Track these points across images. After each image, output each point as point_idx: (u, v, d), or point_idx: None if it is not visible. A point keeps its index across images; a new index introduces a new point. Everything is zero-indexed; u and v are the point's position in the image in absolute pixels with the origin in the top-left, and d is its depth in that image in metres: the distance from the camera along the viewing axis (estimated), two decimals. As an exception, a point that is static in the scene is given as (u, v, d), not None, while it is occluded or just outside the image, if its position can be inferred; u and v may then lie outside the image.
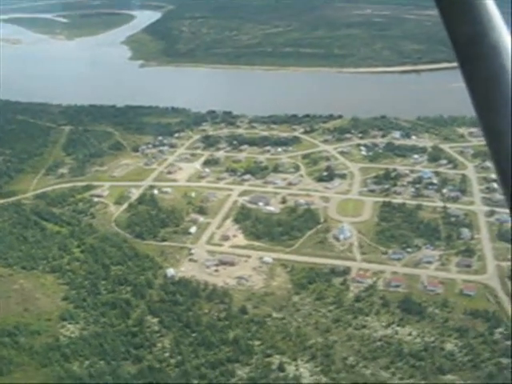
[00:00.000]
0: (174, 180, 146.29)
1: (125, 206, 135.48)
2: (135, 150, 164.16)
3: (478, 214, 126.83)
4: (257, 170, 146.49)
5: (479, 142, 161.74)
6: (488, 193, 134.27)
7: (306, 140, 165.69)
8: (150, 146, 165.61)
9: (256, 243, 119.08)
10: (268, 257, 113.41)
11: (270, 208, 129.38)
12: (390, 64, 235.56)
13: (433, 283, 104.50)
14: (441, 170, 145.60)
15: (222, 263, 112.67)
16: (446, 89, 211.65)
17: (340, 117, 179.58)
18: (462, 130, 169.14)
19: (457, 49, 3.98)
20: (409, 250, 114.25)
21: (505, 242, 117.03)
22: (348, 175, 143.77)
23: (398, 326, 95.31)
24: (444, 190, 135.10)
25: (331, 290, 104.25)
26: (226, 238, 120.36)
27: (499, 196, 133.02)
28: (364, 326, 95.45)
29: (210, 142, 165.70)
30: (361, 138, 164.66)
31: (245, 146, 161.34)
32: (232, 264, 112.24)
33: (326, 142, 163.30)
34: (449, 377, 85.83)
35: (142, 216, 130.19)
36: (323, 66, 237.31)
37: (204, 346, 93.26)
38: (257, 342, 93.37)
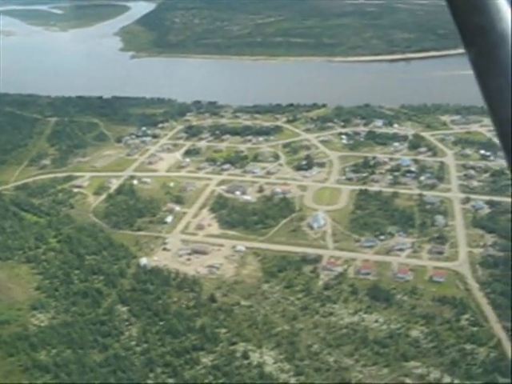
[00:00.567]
0: (155, 170, 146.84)
1: (103, 196, 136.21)
2: (119, 140, 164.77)
3: (453, 201, 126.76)
4: (236, 160, 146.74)
5: (461, 129, 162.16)
6: (465, 180, 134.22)
7: (288, 129, 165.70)
8: (134, 136, 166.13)
9: (230, 232, 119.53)
10: (241, 245, 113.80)
11: (247, 197, 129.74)
12: (379, 53, 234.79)
13: (403, 270, 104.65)
14: (420, 157, 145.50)
15: (195, 252, 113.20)
16: (433, 77, 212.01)
17: (324, 106, 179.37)
18: (445, 118, 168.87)
19: (464, 39, 3.95)
20: (382, 237, 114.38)
21: (479, 228, 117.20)
22: (327, 164, 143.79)
23: (365, 313, 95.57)
24: (421, 178, 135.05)
25: (301, 278, 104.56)
26: (200, 227, 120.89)
27: (476, 183, 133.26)
28: (331, 314, 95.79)
29: (192, 132, 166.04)
30: (343, 126, 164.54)
31: (227, 136, 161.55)
32: (204, 253, 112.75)
33: (307, 130, 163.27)
34: (412, 363, 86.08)
35: (120, 206, 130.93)
36: (312, 55, 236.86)
37: (171, 334, 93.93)
38: (223, 330, 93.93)
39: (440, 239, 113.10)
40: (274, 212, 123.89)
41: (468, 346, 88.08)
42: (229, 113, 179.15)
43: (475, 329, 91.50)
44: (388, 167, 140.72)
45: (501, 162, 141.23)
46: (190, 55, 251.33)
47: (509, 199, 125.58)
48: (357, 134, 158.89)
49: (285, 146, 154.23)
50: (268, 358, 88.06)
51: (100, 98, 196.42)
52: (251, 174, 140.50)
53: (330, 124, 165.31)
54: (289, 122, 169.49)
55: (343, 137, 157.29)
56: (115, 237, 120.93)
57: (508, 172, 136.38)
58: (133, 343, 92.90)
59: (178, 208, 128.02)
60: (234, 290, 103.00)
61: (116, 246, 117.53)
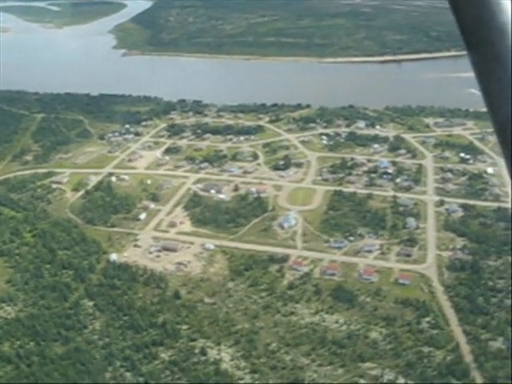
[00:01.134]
0: (134, 167, 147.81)
1: (81, 192, 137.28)
2: (101, 137, 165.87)
3: (427, 203, 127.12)
4: (215, 159, 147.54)
5: (443, 132, 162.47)
6: (442, 183, 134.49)
7: (269, 129, 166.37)
8: (117, 134, 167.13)
9: (202, 230, 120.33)
10: (210, 243, 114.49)
11: (221, 196, 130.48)
12: (370, 54, 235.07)
13: (368, 272, 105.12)
14: (399, 159, 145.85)
15: (165, 249, 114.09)
16: (422, 79, 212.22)
17: (308, 106, 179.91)
18: (428, 120, 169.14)
19: (464, 32, 3.93)
20: (351, 238, 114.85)
21: (450, 231, 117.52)
22: (305, 164, 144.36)
23: (327, 313, 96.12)
24: (398, 180, 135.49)
25: (266, 277, 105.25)
26: (173, 224, 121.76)
27: (453, 186, 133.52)
28: (292, 313, 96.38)
29: (174, 130, 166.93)
30: (325, 127, 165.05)
31: (208, 135, 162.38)
32: (174, 250, 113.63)
33: (289, 131, 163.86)
34: (367, 364, 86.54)
35: (96, 202, 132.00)
36: (303, 55, 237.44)
37: (133, 328, 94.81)
38: (184, 327, 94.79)
39: (410, 242, 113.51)
40: (246, 211, 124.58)
41: (426, 349, 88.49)
42: (213, 112, 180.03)
43: (435, 332, 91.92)
44: (365, 169, 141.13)
45: (479, 166, 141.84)
46: (182, 54, 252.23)
47: (483, 203, 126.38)
48: (338, 134, 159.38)
49: (265, 145, 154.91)
50: (225, 355, 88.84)
51: (87, 95, 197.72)
52: (228, 172, 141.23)
53: (312, 124, 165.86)
54: (271, 121, 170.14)
55: (324, 137, 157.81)
56: (88, 232, 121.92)
57: (485, 176, 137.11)
58: (95, 337, 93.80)
59: (152, 205, 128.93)
60: (199, 287, 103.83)
61: (88, 242, 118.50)
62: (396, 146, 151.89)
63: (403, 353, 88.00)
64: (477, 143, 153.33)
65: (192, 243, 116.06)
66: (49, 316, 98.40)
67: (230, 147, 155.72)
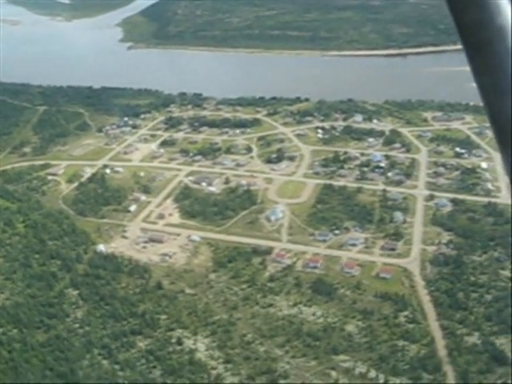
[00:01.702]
0: (129, 160, 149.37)
1: (75, 184, 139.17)
2: (100, 130, 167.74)
3: (417, 198, 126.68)
4: (209, 151, 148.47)
5: (441, 126, 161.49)
6: (434, 177, 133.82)
7: (266, 122, 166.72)
8: (114, 126, 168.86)
9: (189, 222, 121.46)
10: (196, 235, 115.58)
11: (212, 188, 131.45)
12: (375, 47, 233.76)
13: (349, 265, 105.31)
14: (393, 153, 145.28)
15: (151, 240, 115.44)
16: (425, 73, 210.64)
17: (307, 100, 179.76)
18: (427, 115, 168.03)
19: (462, 33, 3.91)
20: (336, 232, 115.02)
21: (438, 226, 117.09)
22: (298, 157, 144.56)
23: (305, 306, 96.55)
24: (389, 174, 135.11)
25: (249, 269, 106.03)
26: (161, 216, 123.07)
27: (444, 181, 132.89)
28: (271, 305, 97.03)
29: (172, 123, 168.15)
30: (322, 120, 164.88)
31: (204, 128, 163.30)
32: (160, 241, 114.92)
33: (285, 124, 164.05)
34: (341, 357, 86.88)
35: (89, 194, 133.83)
36: (308, 48, 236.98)
37: (113, 318, 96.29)
38: (163, 316, 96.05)
39: (395, 236, 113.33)
40: (235, 204, 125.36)
41: (400, 343, 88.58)
42: (211, 105, 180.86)
43: (411, 326, 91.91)
44: (358, 162, 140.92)
45: (474, 160, 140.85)
46: (187, 47, 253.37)
47: (473, 198, 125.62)
48: (334, 128, 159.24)
49: (259, 138, 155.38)
50: (201, 345, 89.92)
51: (89, 88, 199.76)
52: (221, 165, 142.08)
53: (309, 118, 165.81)
54: (269, 115, 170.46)
55: (319, 131, 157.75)
56: (79, 223, 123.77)
57: (479, 170, 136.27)
58: (76, 325, 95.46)
59: (143, 197, 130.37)
60: (181, 278, 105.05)
61: (78, 233, 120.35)
62: (391, 140, 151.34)
63: (377, 346, 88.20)
64: (474, 137, 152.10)
65: (179, 235, 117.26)
66: (33, 304, 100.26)
67: (225, 140, 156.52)
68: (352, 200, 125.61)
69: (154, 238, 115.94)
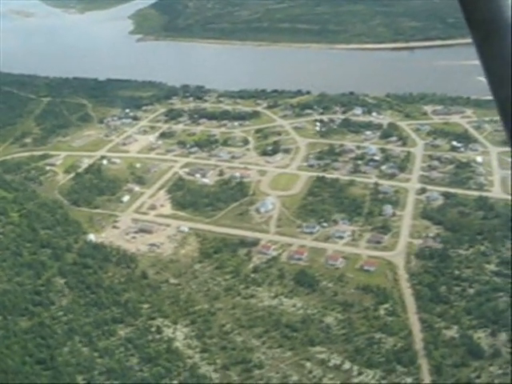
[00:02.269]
0: (126, 151, 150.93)
1: (72, 174, 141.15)
2: (101, 121, 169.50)
3: (409, 191, 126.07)
4: (206, 143, 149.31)
5: (440, 119, 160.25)
6: (428, 171, 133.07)
7: (265, 115, 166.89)
8: (115, 118, 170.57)
9: (180, 213, 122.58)
10: (185, 226, 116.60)
11: (205, 180, 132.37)
12: (383, 41, 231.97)
13: (334, 257, 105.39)
14: (389, 146, 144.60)
15: (141, 231, 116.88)
16: (431, 66, 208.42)
17: (308, 93, 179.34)
18: (427, 108, 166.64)
19: (471, 26, 4.02)
20: (324, 224, 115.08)
21: (427, 219, 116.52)
22: (293, 150, 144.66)
23: (286, 297, 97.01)
24: (383, 167, 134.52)
25: (234, 260, 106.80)
26: (153, 207, 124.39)
27: (438, 174, 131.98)
28: (252, 296, 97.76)
29: (172, 115, 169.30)
30: (321, 113, 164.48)
31: (203, 120, 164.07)
32: (150, 232, 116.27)
33: (284, 117, 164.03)
34: (317, 348, 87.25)
35: (84, 184, 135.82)
36: (316, 42, 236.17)
37: (97, 306, 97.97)
38: (146, 305, 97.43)
39: (383, 229, 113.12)
40: (227, 195, 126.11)
41: (378, 335, 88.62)
42: (213, 97, 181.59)
43: (390, 319, 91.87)
44: (353, 155, 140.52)
45: (469, 154, 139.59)
46: (196, 39, 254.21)
47: (465, 192, 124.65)
48: (332, 121, 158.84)
49: (257, 131, 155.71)
50: (180, 334, 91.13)
51: (95, 79, 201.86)
52: (216, 157, 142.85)
53: (308, 111, 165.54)
54: (269, 107, 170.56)
55: (317, 124, 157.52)
56: (72, 213, 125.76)
57: (473, 164, 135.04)
58: (60, 313, 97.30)
59: (137, 188, 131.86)
60: (167, 268, 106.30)
61: (70, 222, 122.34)
62: (388, 133, 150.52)
63: (354, 338, 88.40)
64: (472, 131, 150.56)
65: (168, 225, 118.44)
66: (20, 292, 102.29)
67: (223, 132, 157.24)
68: (343, 193, 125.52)
69: (144, 228, 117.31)
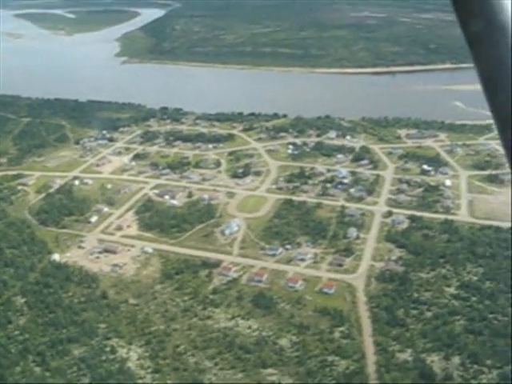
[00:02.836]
0: (100, 172, 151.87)
1: (43, 194, 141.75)
2: (77, 142, 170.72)
3: (375, 214, 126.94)
4: (178, 165, 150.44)
5: (413, 143, 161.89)
6: (396, 194, 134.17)
7: (240, 137, 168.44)
8: (92, 139, 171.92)
9: (146, 234, 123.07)
10: (150, 247, 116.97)
11: (174, 201, 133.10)
12: (364, 65, 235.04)
13: (294, 280, 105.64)
14: (359, 169, 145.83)
15: (106, 251, 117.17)
16: (410, 91, 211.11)
17: (284, 116, 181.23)
18: (401, 132, 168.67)
19: (465, 30, 4.01)
20: (288, 246, 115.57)
21: (390, 242, 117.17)
22: (264, 172, 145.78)
23: (243, 319, 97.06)
24: (351, 190, 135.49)
25: (194, 281, 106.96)
26: (119, 227, 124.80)
27: (405, 197, 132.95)
28: (209, 317, 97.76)
29: (148, 137, 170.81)
30: (296, 136, 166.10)
31: (178, 142, 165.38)
32: (114, 252, 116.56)
33: (259, 140, 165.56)
34: (269, 370, 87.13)
35: (54, 204, 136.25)
36: (297, 65, 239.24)
37: (54, 325, 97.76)
38: (103, 325, 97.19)
39: (345, 251, 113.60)
40: (193, 217, 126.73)
41: (331, 358, 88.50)
42: (190, 120, 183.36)
43: (345, 341, 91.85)
44: (322, 178, 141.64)
45: (439, 178, 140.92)
46: (180, 62, 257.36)
47: (431, 215, 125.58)
48: (305, 144, 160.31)
49: (230, 153, 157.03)
50: (133, 355, 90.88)
51: (75, 101, 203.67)
52: (187, 179, 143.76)
53: (283, 134, 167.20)
54: (244, 130, 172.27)
55: (290, 147, 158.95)
56: (39, 233, 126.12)
57: (442, 188, 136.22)
58: (16, 332, 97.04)
59: (106, 209, 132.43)
60: (127, 288, 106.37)
61: (36, 242, 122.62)
62: (360, 156, 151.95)
63: (307, 361, 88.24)
64: (444, 155, 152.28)
65: (133, 246, 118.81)
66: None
67: (196, 155, 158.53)
68: (309, 215, 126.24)
69: (109, 248, 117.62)
